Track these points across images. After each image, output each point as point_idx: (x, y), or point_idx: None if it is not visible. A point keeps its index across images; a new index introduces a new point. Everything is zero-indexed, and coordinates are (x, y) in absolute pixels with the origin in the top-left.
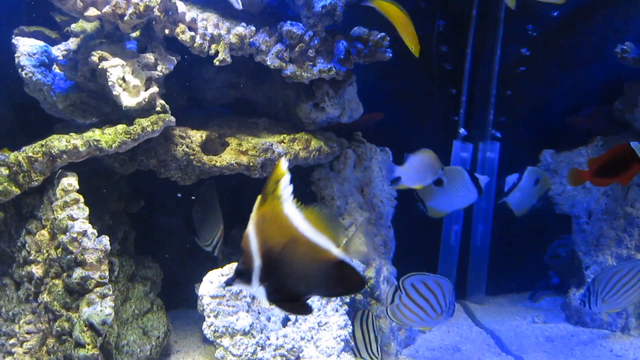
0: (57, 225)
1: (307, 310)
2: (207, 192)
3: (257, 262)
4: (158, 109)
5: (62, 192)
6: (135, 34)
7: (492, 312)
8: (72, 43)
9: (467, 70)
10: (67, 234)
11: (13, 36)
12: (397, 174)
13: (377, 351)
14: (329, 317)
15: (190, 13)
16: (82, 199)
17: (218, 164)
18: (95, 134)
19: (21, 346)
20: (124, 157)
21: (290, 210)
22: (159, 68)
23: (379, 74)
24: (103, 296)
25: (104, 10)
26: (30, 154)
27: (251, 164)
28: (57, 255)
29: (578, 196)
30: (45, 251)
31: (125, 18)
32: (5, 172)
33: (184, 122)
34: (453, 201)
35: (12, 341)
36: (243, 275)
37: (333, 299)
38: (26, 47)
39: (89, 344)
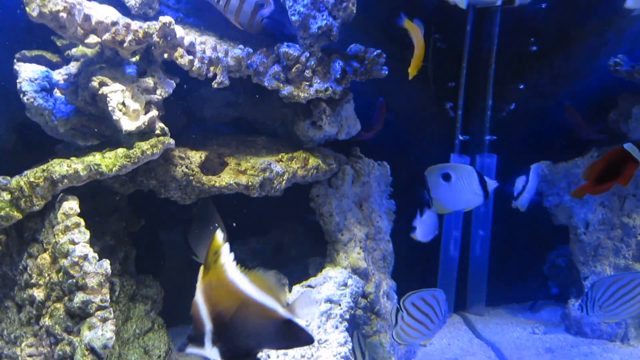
0: (58, 249)
1: None
2: (205, 208)
3: (208, 326)
4: (158, 131)
5: (63, 216)
6: (135, 59)
7: (493, 324)
8: (73, 67)
9: (463, 84)
10: (69, 258)
11: (15, 61)
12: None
13: None
14: (328, 334)
15: (188, 37)
16: (82, 223)
17: (217, 184)
18: (95, 158)
19: None
20: (124, 177)
21: (235, 275)
22: (158, 92)
23: (376, 88)
24: (104, 320)
25: (104, 37)
26: (32, 179)
27: (250, 183)
28: (58, 279)
29: (575, 207)
30: (46, 274)
31: (125, 44)
32: (7, 197)
33: (183, 142)
34: (458, 200)
35: None
36: (195, 339)
37: (333, 315)
38: (28, 72)
39: None
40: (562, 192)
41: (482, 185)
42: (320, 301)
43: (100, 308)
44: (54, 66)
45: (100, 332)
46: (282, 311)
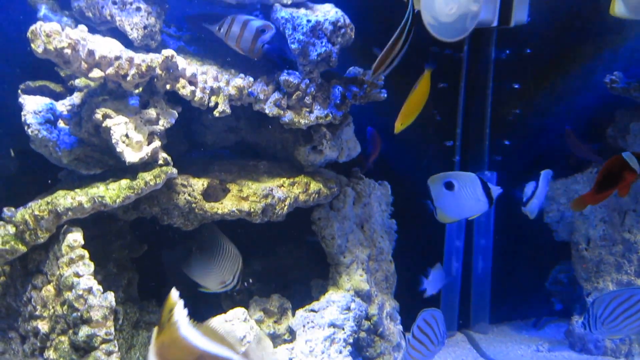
0: (63, 282)
1: None
2: (211, 236)
3: None
4: (160, 161)
5: (68, 249)
6: (137, 90)
7: (497, 342)
8: (76, 97)
9: (462, 104)
10: (73, 291)
11: (19, 92)
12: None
13: None
14: (332, 359)
15: (190, 68)
16: (87, 255)
17: (220, 212)
18: (99, 190)
19: None
20: (128, 205)
21: (188, 331)
22: (160, 122)
23: (374, 107)
24: (109, 353)
25: (108, 71)
26: (37, 212)
27: (252, 209)
28: (63, 312)
29: (576, 223)
30: (51, 307)
31: (128, 78)
32: (12, 230)
33: (185, 169)
34: (462, 208)
35: None
36: None
37: (336, 339)
38: (32, 105)
39: None
40: (562, 208)
41: (486, 192)
42: (323, 325)
43: (105, 341)
44: (57, 96)
45: None
46: (237, 357)
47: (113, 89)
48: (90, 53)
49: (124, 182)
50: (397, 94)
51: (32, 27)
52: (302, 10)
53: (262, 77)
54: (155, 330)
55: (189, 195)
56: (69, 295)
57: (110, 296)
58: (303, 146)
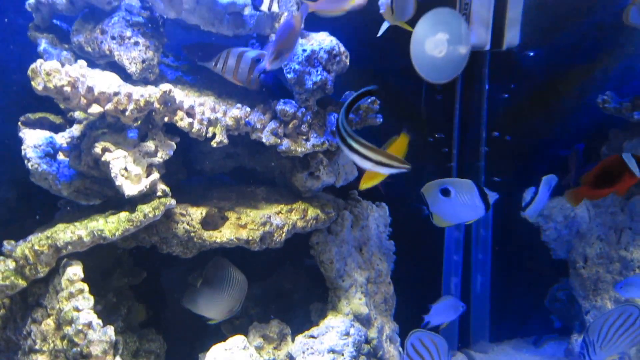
0: (62, 316)
1: None
2: (219, 266)
3: None
4: (159, 193)
5: (68, 282)
6: (136, 123)
7: None
8: (76, 130)
9: (457, 124)
10: (73, 325)
11: (19, 124)
12: None
13: None
14: None
15: (187, 100)
16: (86, 288)
17: (218, 240)
18: (99, 223)
19: None
20: (127, 234)
21: None
22: (159, 154)
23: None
24: None
25: (107, 107)
26: (37, 247)
27: (250, 238)
28: (62, 347)
29: (573, 241)
30: (50, 341)
31: (127, 113)
32: (12, 265)
33: (183, 196)
34: (459, 213)
35: None
36: None
37: None
38: (32, 139)
39: None
40: (559, 226)
41: (483, 198)
42: (323, 352)
43: None
44: (57, 128)
45: None
46: None
47: (112, 122)
48: (89, 89)
49: (123, 215)
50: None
51: (33, 66)
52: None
53: (258, 106)
54: None
55: (188, 224)
56: (68, 329)
57: (110, 330)
58: (300, 172)
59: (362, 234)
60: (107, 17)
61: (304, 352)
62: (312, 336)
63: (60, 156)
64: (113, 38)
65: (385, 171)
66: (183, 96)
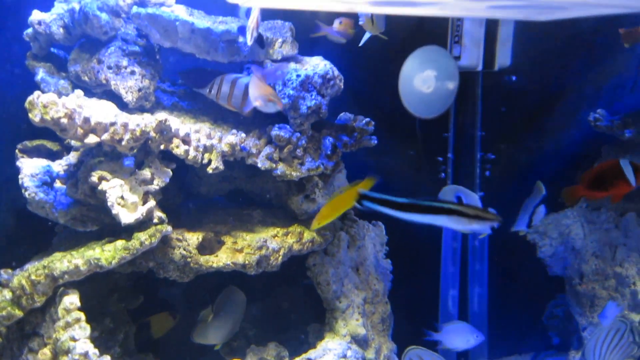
0: (59, 346)
1: None
2: (230, 296)
3: None
4: (155, 220)
5: (64, 312)
6: (132, 151)
7: None
8: (73, 157)
9: (451, 140)
10: (69, 355)
11: (17, 152)
12: None
13: None
14: None
15: (183, 127)
16: (83, 317)
17: (215, 265)
18: (95, 252)
19: None
20: (123, 262)
21: None
22: (155, 182)
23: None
24: None
25: (103, 137)
26: (34, 277)
27: (247, 262)
28: None
29: (569, 258)
30: None
31: (123, 143)
32: (9, 295)
33: (180, 221)
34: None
35: None
36: None
37: None
38: (29, 168)
39: None
40: (554, 242)
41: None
42: None
43: None
44: (54, 155)
45: None
46: None
47: (108, 150)
48: (86, 120)
49: (120, 243)
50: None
51: (30, 98)
52: (292, 65)
53: (254, 132)
54: None
55: (184, 249)
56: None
57: None
58: (296, 195)
59: (358, 254)
60: (104, 46)
61: None
62: (309, 359)
63: (57, 184)
64: (109, 67)
65: (481, 227)
66: (179, 123)
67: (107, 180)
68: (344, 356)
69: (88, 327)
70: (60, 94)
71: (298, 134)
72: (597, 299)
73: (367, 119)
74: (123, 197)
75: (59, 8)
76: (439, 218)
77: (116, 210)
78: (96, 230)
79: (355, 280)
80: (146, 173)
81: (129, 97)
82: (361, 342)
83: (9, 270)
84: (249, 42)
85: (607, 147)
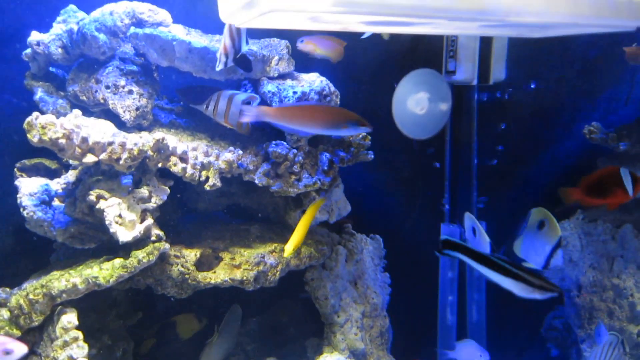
0: None
1: None
2: (232, 314)
3: None
4: (153, 238)
5: (62, 331)
6: (130, 170)
7: None
8: (71, 175)
9: (448, 154)
10: None
11: (15, 170)
12: None
13: None
14: None
15: (181, 145)
16: (81, 336)
17: (213, 282)
18: (93, 270)
19: None
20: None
21: None
22: (153, 200)
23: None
24: None
25: (101, 157)
26: (32, 297)
27: (244, 278)
28: None
29: (566, 269)
30: None
31: (121, 162)
32: (7, 314)
33: (177, 237)
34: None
35: None
36: None
37: None
38: (28, 187)
39: None
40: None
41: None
42: None
43: None
44: (52, 173)
45: None
46: None
47: (106, 169)
48: (84, 140)
49: (117, 262)
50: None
51: (29, 119)
52: (289, 82)
53: (251, 149)
54: None
55: (182, 266)
56: None
57: None
58: (293, 211)
59: (356, 268)
60: (102, 66)
61: None
62: None
63: (56, 202)
64: (107, 87)
65: (542, 296)
66: (176, 141)
67: (105, 199)
68: None
69: (86, 346)
70: (58, 113)
71: (295, 151)
72: (595, 311)
73: (364, 134)
74: (121, 216)
75: (57, 29)
76: (507, 280)
77: (114, 229)
78: (94, 247)
79: (353, 294)
80: (144, 191)
81: (126, 116)
82: (360, 356)
83: (7, 289)
84: (218, 68)
85: (603, 158)
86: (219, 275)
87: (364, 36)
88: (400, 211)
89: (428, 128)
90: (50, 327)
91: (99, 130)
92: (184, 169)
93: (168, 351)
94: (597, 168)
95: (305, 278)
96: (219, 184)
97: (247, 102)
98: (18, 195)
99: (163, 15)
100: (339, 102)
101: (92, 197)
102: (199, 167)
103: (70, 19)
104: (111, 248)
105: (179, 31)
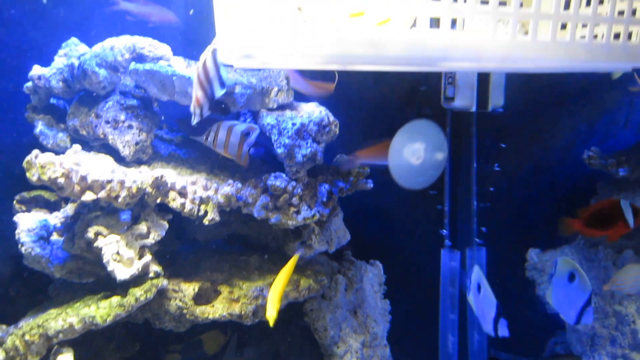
0: None
1: None
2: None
3: None
4: (151, 274)
5: None
6: (129, 206)
7: None
8: (70, 209)
9: (448, 180)
10: None
11: (14, 202)
12: None
13: None
14: None
15: (180, 180)
16: None
17: (211, 316)
18: (90, 310)
19: None
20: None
21: None
22: (151, 236)
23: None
24: None
25: (100, 195)
26: (27, 337)
27: (243, 312)
28: None
29: None
30: None
31: (119, 200)
32: (2, 355)
33: (176, 269)
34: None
35: None
36: None
37: None
38: (26, 223)
39: None
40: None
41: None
42: None
43: None
44: (51, 206)
45: None
46: None
47: (104, 205)
48: (83, 178)
49: (115, 300)
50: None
51: (28, 158)
52: (288, 113)
53: (250, 181)
54: None
55: (180, 300)
56: None
57: None
58: (293, 242)
59: (356, 297)
60: (102, 100)
61: None
62: None
63: (54, 236)
64: (107, 122)
65: None
66: (175, 176)
67: (104, 236)
68: None
69: None
70: (59, 147)
71: (294, 183)
72: (597, 338)
73: None
74: (119, 253)
75: (58, 62)
76: None
77: (112, 266)
78: (92, 282)
79: (353, 324)
80: (142, 227)
81: (126, 152)
82: None
83: (3, 326)
84: (194, 122)
85: (602, 183)
86: (217, 310)
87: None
88: (400, 236)
89: (423, 179)
90: None
91: (98, 166)
92: (183, 204)
93: None
94: (597, 193)
95: (305, 309)
96: (217, 218)
97: (247, 133)
98: (16, 231)
99: (163, 49)
100: (338, 132)
101: (91, 234)
102: (197, 202)
103: (71, 53)
104: (110, 282)
105: (179, 65)
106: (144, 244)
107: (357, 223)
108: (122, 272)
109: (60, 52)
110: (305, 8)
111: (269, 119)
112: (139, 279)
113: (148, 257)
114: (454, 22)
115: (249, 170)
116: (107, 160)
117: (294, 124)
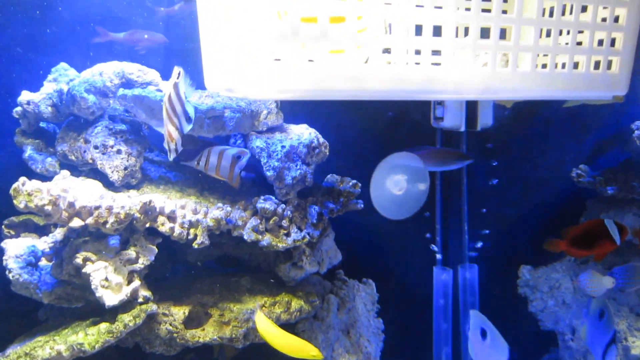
0: None
1: None
2: None
3: None
4: (140, 299)
5: None
6: (117, 231)
7: None
8: (59, 234)
9: (439, 198)
10: None
11: (3, 227)
12: None
13: None
14: None
15: (169, 204)
16: None
17: (201, 340)
18: (78, 337)
19: None
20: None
21: None
22: (140, 261)
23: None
24: None
25: (88, 221)
26: None
27: (233, 335)
28: None
29: (560, 312)
30: None
31: (108, 225)
32: None
33: (166, 292)
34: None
35: None
36: None
37: None
38: (14, 249)
39: None
40: (545, 296)
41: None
42: None
43: None
44: (40, 230)
45: None
46: None
47: (93, 231)
48: (71, 205)
49: (103, 327)
50: None
51: (15, 185)
52: (277, 135)
53: (239, 203)
54: None
55: (170, 324)
56: None
57: None
58: (283, 263)
59: (349, 316)
60: (91, 125)
61: None
62: None
63: (43, 261)
64: (96, 147)
65: None
66: (164, 200)
67: (92, 262)
68: None
69: None
70: (47, 172)
71: (283, 205)
72: (590, 355)
73: (354, 181)
74: (107, 279)
75: (48, 88)
76: None
77: (100, 293)
78: (81, 306)
79: (345, 344)
80: (131, 252)
81: (114, 177)
82: None
83: None
84: (170, 158)
85: (591, 200)
86: (208, 333)
87: None
88: (393, 255)
89: (406, 209)
90: None
91: (86, 192)
92: (172, 229)
93: None
94: (587, 210)
95: (297, 329)
96: (207, 242)
97: (238, 157)
98: (4, 258)
99: (152, 75)
100: (327, 153)
101: (79, 259)
102: (186, 226)
103: (60, 78)
104: (99, 306)
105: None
106: (132, 269)
107: (350, 242)
108: (110, 298)
109: (50, 77)
110: (284, 48)
111: (258, 142)
112: (128, 304)
113: (137, 282)
114: (435, 51)
115: (240, 192)
116: (95, 185)
117: (283, 147)
